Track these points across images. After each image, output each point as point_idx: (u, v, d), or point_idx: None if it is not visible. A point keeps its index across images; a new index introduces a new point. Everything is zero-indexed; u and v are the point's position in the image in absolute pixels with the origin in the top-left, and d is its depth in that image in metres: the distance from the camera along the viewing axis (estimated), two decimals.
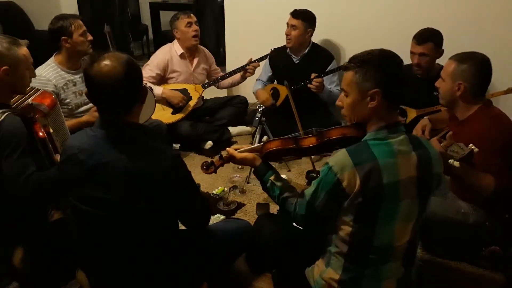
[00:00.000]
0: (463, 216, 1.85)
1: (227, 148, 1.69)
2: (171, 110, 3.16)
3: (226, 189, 2.58)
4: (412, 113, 2.64)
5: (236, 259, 1.86)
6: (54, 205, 1.86)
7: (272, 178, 1.55)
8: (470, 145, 1.49)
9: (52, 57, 2.50)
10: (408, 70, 2.68)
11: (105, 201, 1.34)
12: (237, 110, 3.52)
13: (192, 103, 3.19)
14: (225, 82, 3.42)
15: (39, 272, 1.74)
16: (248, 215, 2.40)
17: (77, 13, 4.43)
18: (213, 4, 4.98)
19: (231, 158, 1.67)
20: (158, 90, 3.09)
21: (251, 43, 3.69)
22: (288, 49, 3.18)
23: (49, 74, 2.44)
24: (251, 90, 3.43)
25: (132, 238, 1.40)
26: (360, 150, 1.30)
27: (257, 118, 2.61)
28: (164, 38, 5.25)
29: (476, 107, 1.83)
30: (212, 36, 4.99)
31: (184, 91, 3.18)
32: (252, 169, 1.65)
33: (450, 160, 1.50)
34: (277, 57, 3.25)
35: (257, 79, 3.42)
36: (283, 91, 3.18)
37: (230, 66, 3.82)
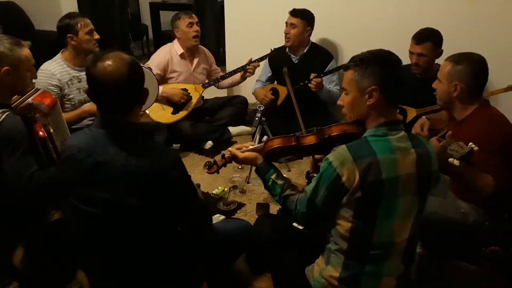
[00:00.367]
0: (463, 216, 1.85)
1: (229, 148, 1.69)
2: (171, 110, 3.16)
3: (226, 189, 2.58)
4: (412, 113, 2.64)
5: (236, 259, 1.86)
6: (54, 205, 1.86)
7: (273, 176, 1.56)
8: (470, 143, 1.49)
9: (59, 53, 2.58)
10: (407, 70, 2.68)
11: (104, 201, 1.34)
12: (237, 110, 3.52)
13: (192, 103, 3.19)
14: (225, 82, 3.42)
15: (39, 272, 1.74)
16: (248, 215, 2.41)
17: None
18: (213, 4, 4.98)
19: (233, 158, 1.68)
20: (156, 80, 3.07)
21: (251, 43, 3.69)
22: (287, 49, 3.18)
23: (54, 68, 2.51)
24: (251, 90, 3.43)
25: (132, 238, 1.40)
26: (360, 146, 1.32)
27: (257, 118, 2.61)
28: (164, 38, 5.25)
29: (473, 107, 1.83)
30: (212, 36, 4.99)
31: (184, 91, 3.18)
32: (253, 168, 1.66)
33: (450, 159, 1.50)
34: (276, 57, 3.26)
35: (257, 80, 3.42)
36: (283, 91, 3.19)
37: (230, 66, 3.82)
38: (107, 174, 1.31)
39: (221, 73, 3.45)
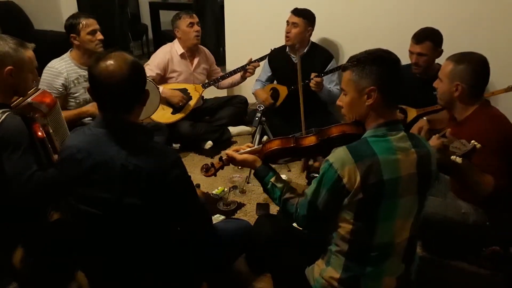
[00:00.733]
0: (463, 216, 1.84)
1: (227, 151, 1.68)
2: (171, 110, 3.16)
3: (226, 189, 2.58)
4: (412, 113, 2.64)
5: (236, 259, 1.86)
6: (54, 205, 1.86)
7: (272, 179, 1.55)
8: (472, 141, 1.47)
9: (68, 52, 2.63)
10: (407, 70, 2.68)
11: (104, 201, 1.33)
12: (237, 110, 3.52)
13: (192, 103, 3.19)
14: (225, 82, 3.42)
15: (39, 272, 1.74)
16: (248, 215, 2.40)
17: None
18: (213, 4, 4.98)
19: (231, 160, 1.68)
20: (159, 91, 3.08)
21: (251, 43, 3.69)
22: (287, 48, 3.18)
23: (62, 67, 2.56)
24: (251, 90, 3.43)
25: (132, 238, 1.39)
26: (360, 147, 1.32)
27: (257, 118, 2.61)
28: (163, 37, 5.26)
29: (474, 107, 1.83)
30: (212, 36, 4.99)
31: (184, 91, 3.18)
32: (253, 170, 1.65)
33: (452, 157, 1.48)
34: (276, 57, 3.25)
35: (256, 79, 3.42)
36: (283, 91, 3.18)
37: (230, 66, 3.82)
38: (107, 174, 1.31)
39: (221, 73, 3.44)
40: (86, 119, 2.56)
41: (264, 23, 3.61)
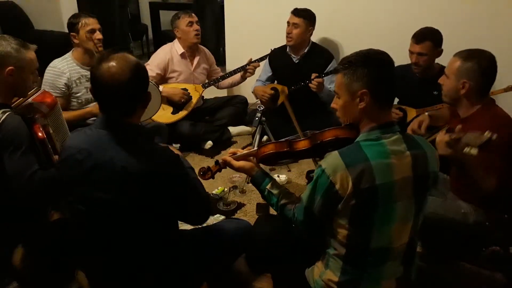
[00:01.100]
0: (464, 216, 1.84)
1: (224, 157, 1.69)
2: (171, 109, 3.16)
3: (226, 189, 2.58)
4: (412, 113, 2.64)
5: (236, 259, 1.86)
6: (54, 205, 1.86)
7: (268, 186, 1.54)
8: (487, 132, 1.40)
9: (70, 52, 2.64)
10: (407, 70, 2.69)
11: (104, 201, 1.33)
12: (237, 110, 3.52)
13: (192, 103, 3.19)
14: (225, 82, 3.42)
15: (39, 272, 1.74)
16: (248, 215, 2.40)
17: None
18: (213, 4, 4.98)
19: (227, 165, 1.67)
20: (160, 92, 3.08)
21: (251, 43, 3.69)
22: (287, 48, 3.18)
23: (64, 66, 2.57)
24: (251, 90, 3.42)
25: (132, 238, 1.39)
26: (352, 152, 1.29)
27: (257, 118, 2.60)
28: (164, 37, 5.26)
29: (479, 105, 1.80)
30: (212, 36, 4.99)
31: (184, 91, 3.18)
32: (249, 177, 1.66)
33: (466, 149, 1.41)
34: (276, 57, 3.25)
35: (256, 79, 3.42)
36: (283, 90, 3.18)
37: (230, 66, 3.82)
38: (107, 174, 1.31)
39: (221, 73, 3.44)
40: (90, 119, 2.57)
41: (264, 23, 3.61)
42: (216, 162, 1.73)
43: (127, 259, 1.43)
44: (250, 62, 3.23)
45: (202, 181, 1.60)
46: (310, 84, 2.93)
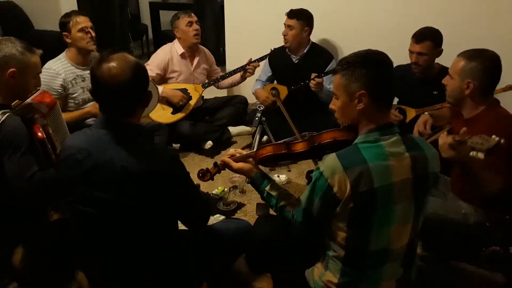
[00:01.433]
0: (464, 216, 1.84)
1: (223, 158, 1.68)
2: (171, 109, 3.16)
3: (226, 189, 2.58)
4: (411, 113, 2.64)
5: (236, 259, 1.86)
6: (54, 205, 1.86)
7: (267, 188, 1.54)
8: (493, 136, 1.40)
9: (64, 52, 2.60)
10: (407, 69, 2.68)
11: (104, 201, 1.33)
12: (237, 110, 3.52)
13: (192, 103, 3.19)
14: (225, 82, 3.42)
15: (39, 272, 1.74)
16: (248, 215, 2.40)
17: None
18: (213, 4, 4.98)
19: (226, 166, 1.67)
20: (158, 89, 3.08)
21: (251, 43, 3.68)
22: (287, 49, 3.18)
23: (59, 67, 2.53)
24: (251, 90, 3.42)
25: (132, 238, 1.39)
26: (350, 154, 1.28)
27: (257, 118, 2.60)
28: (164, 37, 5.26)
29: (483, 106, 1.79)
30: (212, 36, 4.99)
31: (184, 91, 3.18)
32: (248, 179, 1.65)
33: (472, 153, 1.41)
34: (276, 57, 3.25)
35: (256, 79, 3.42)
36: (283, 91, 3.18)
37: (230, 66, 3.82)
38: (107, 174, 1.31)
39: (221, 73, 3.44)
40: (89, 120, 2.55)
41: (264, 23, 3.61)
42: (215, 164, 1.73)
43: (127, 259, 1.43)
44: (250, 62, 3.23)
45: (201, 182, 1.59)
46: (309, 84, 2.93)
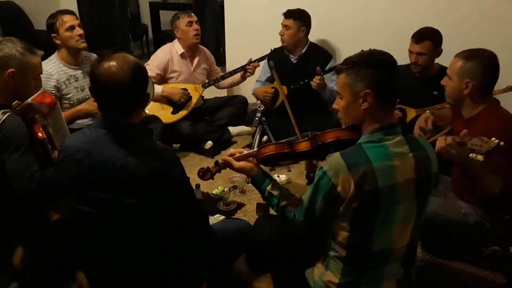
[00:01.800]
0: (464, 216, 1.84)
1: (224, 157, 1.68)
2: (171, 109, 3.16)
3: (226, 189, 2.58)
4: (411, 113, 2.64)
5: (236, 259, 1.86)
6: (54, 205, 1.86)
7: (268, 188, 1.54)
8: (493, 138, 1.40)
9: (55, 53, 2.56)
10: (407, 69, 2.69)
11: (103, 201, 1.33)
12: (237, 110, 3.52)
13: (192, 102, 3.19)
14: (225, 82, 3.42)
15: (39, 272, 1.74)
16: (248, 215, 2.40)
17: (77, 13, 4.44)
18: (213, 4, 4.98)
19: (227, 165, 1.67)
20: (158, 88, 3.09)
21: (251, 43, 3.68)
22: (285, 49, 3.18)
23: (51, 68, 2.50)
24: (251, 90, 3.43)
25: (131, 238, 1.39)
26: (354, 154, 1.29)
27: (257, 118, 2.61)
28: (164, 37, 5.26)
29: (483, 105, 1.79)
30: (212, 36, 4.99)
31: (184, 91, 3.18)
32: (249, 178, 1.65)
33: (472, 154, 1.41)
34: (275, 58, 3.25)
35: (256, 80, 3.42)
36: (283, 90, 3.18)
37: (230, 66, 3.81)
38: (106, 174, 1.31)
39: (221, 73, 3.45)
40: (84, 120, 2.53)
41: (264, 23, 3.61)
42: (216, 163, 1.73)
43: (127, 259, 1.43)
44: (250, 62, 3.23)
45: (201, 182, 1.58)
46: (311, 82, 2.92)
